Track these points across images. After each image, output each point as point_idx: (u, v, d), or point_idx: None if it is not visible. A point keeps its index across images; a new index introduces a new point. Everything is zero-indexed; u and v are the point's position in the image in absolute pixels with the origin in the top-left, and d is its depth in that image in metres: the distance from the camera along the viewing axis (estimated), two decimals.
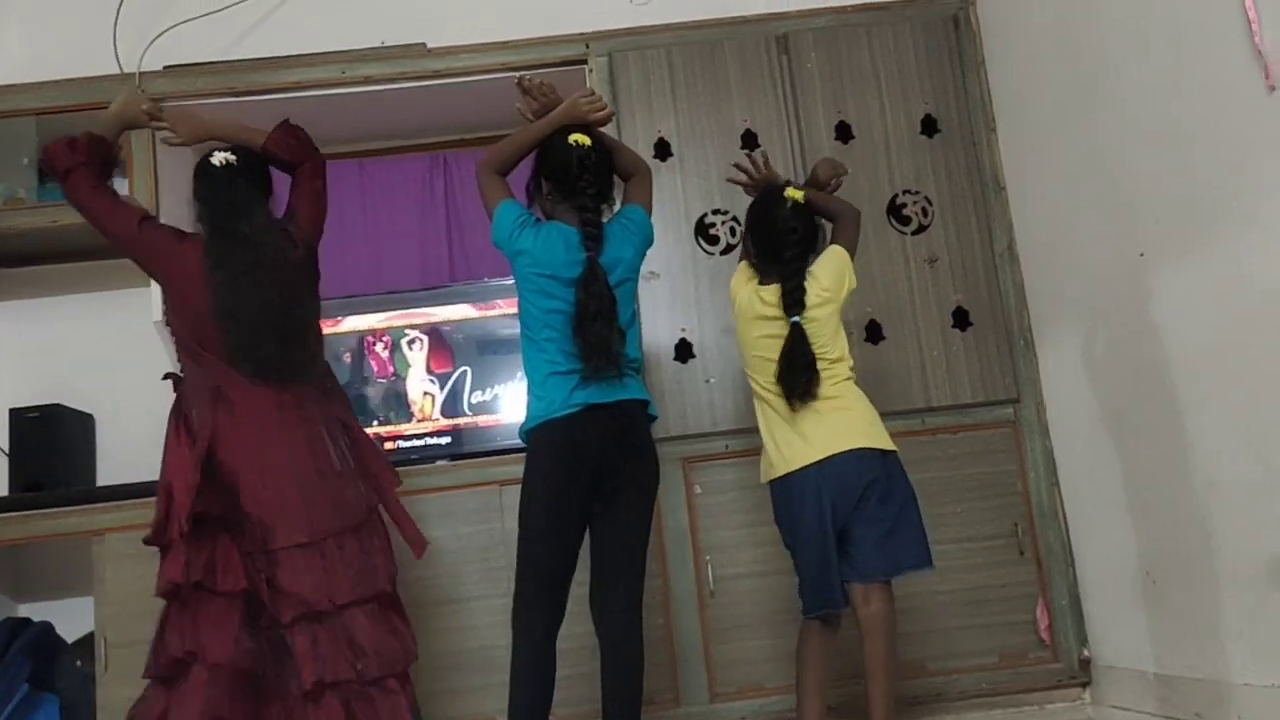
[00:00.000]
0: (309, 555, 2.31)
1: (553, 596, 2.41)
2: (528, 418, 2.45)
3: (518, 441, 2.53)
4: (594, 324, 2.36)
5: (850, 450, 2.47)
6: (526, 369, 2.49)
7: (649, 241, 2.59)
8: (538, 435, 2.42)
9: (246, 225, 2.43)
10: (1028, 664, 3.13)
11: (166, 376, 2.51)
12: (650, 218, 2.60)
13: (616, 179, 2.63)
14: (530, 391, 2.47)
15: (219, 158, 2.50)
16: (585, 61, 3.44)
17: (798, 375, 2.48)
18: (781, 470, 2.51)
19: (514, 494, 2.50)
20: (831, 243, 2.64)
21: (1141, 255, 2.68)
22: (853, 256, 2.63)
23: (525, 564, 2.42)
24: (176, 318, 2.47)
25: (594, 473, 2.38)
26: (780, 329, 2.52)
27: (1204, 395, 2.51)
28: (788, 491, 2.50)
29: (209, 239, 2.44)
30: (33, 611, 3.39)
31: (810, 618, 2.50)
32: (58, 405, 3.37)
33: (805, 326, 2.50)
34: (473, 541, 3.11)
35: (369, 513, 2.43)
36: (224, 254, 2.40)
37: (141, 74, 3.39)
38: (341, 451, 2.44)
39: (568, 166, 2.46)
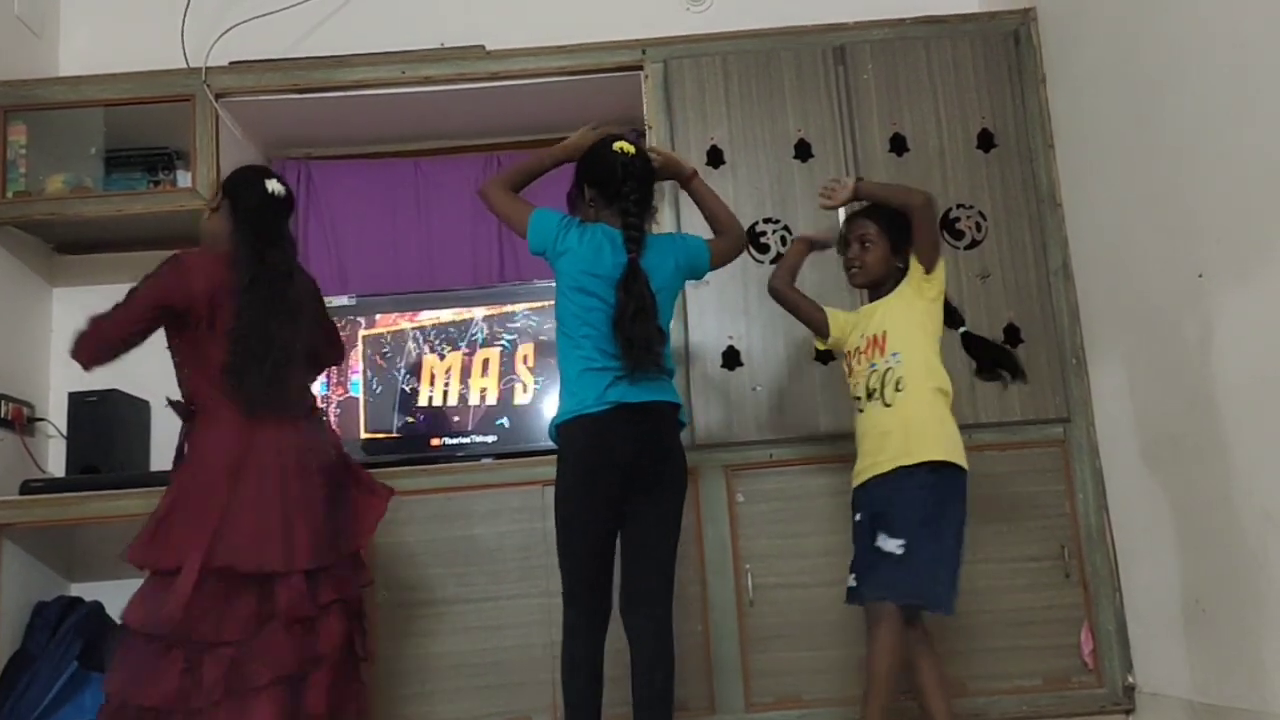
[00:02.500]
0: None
1: (593, 590, 2.43)
2: (559, 412, 2.47)
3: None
4: (634, 323, 2.37)
5: None
6: (561, 365, 2.50)
7: (694, 268, 2.61)
8: (568, 430, 2.43)
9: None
10: (1071, 688, 3.08)
11: None
12: (711, 263, 2.62)
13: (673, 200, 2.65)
14: (563, 387, 2.48)
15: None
16: (641, 67, 3.46)
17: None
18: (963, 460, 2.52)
19: None
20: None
21: (1200, 276, 2.63)
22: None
23: (564, 559, 2.45)
24: None
25: (623, 470, 2.39)
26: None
27: (1260, 423, 2.46)
28: (962, 483, 2.53)
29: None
30: (84, 591, 3.45)
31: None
32: (115, 391, 3.43)
33: None
34: (513, 540, 3.12)
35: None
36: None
37: (208, 69, 3.46)
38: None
39: (612, 172, 2.49)
